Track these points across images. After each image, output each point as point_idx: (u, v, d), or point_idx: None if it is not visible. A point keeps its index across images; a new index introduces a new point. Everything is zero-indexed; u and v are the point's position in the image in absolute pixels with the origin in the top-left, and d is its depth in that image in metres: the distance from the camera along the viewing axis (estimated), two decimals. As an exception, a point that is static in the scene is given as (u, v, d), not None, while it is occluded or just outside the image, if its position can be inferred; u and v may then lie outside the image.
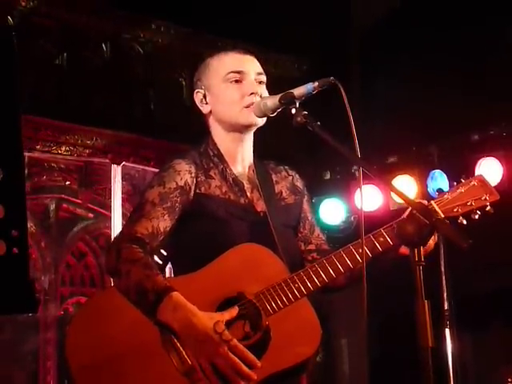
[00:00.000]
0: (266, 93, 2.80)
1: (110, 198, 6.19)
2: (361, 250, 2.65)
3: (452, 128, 5.95)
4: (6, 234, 1.42)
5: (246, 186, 2.86)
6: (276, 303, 2.59)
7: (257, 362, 2.50)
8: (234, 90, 2.78)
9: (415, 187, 6.04)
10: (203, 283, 2.62)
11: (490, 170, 5.84)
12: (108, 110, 6.21)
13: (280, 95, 2.55)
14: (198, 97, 2.87)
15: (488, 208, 2.73)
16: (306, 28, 6.72)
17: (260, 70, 2.82)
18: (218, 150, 2.85)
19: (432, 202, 2.72)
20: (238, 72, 2.78)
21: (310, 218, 3.00)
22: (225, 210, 2.76)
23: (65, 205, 7.20)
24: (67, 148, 6.15)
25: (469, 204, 2.72)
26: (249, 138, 2.88)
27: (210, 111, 2.86)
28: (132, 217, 2.77)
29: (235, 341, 2.49)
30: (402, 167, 6.17)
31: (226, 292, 2.61)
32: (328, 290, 2.96)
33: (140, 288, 2.52)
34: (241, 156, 2.88)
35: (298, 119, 2.47)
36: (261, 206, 2.82)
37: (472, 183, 2.79)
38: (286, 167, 3.05)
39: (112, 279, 2.64)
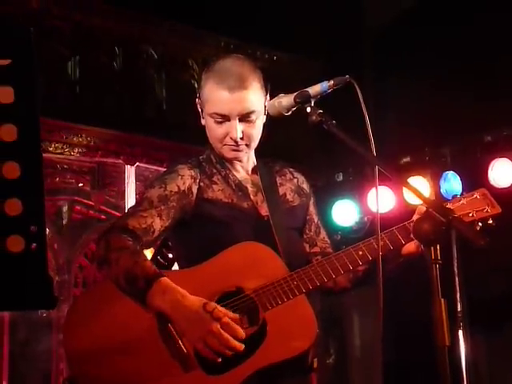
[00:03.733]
0: (256, 131, 2.81)
1: (123, 200, 6.21)
2: (361, 253, 2.71)
3: (465, 129, 5.94)
4: (24, 230, 1.42)
5: (250, 189, 2.88)
6: (274, 299, 2.63)
7: (243, 336, 2.54)
8: (217, 128, 2.79)
9: (428, 188, 6.03)
10: (202, 277, 2.67)
11: (502, 170, 5.83)
12: (120, 111, 6.22)
13: (295, 94, 2.54)
14: (197, 105, 2.89)
15: (490, 221, 2.76)
16: (319, 28, 6.72)
17: (249, 109, 2.76)
18: (220, 157, 2.88)
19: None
20: (222, 115, 2.76)
21: (315, 220, 3.03)
22: (228, 214, 2.79)
23: (78, 207, 7.21)
24: (80, 150, 6.17)
25: (470, 215, 2.75)
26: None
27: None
28: (127, 212, 2.85)
29: (227, 318, 2.54)
30: (414, 168, 6.16)
31: (225, 286, 2.65)
32: (332, 293, 3.00)
33: (129, 275, 2.56)
34: (241, 162, 2.90)
35: (313, 118, 2.47)
36: (265, 209, 2.85)
37: (474, 196, 2.82)
38: (292, 169, 3.06)
39: (102, 269, 2.66)
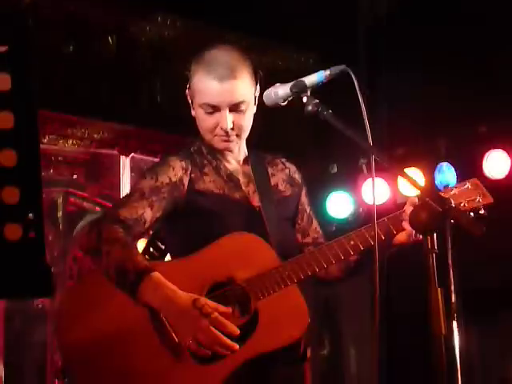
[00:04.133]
0: (246, 121, 2.83)
1: (118, 191, 6.20)
2: (352, 243, 2.74)
3: (459, 120, 5.93)
4: (22, 218, 1.41)
5: (242, 180, 2.90)
6: (265, 289, 2.64)
7: (236, 332, 2.55)
8: (208, 119, 2.81)
9: (423, 180, 6.03)
10: (194, 267, 2.68)
11: (497, 162, 5.83)
12: (115, 102, 6.20)
13: (291, 83, 2.55)
14: (187, 95, 2.90)
15: (482, 211, 2.78)
16: (313, 21, 6.70)
17: (238, 99, 2.78)
18: (210, 148, 2.88)
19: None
20: (212, 106, 2.78)
21: (307, 211, 3.05)
22: (219, 205, 2.80)
23: (72, 198, 7.19)
24: (74, 141, 6.16)
25: (462, 205, 2.77)
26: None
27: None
28: (119, 202, 2.90)
29: (216, 314, 2.54)
30: (409, 159, 6.16)
31: (216, 276, 2.67)
32: (324, 283, 3.03)
33: (120, 268, 2.57)
34: (233, 152, 2.91)
35: (310, 108, 2.48)
36: (256, 200, 2.86)
37: (466, 185, 2.85)
38: (283, 159, 3.09)
39: (92, 259, 2.67)
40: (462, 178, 5.47)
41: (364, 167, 5.44)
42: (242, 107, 2.80)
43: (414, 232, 2.73)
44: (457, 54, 6.14)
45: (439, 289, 2.18)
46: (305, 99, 2.49)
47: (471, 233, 2.11)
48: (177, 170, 2.80)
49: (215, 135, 2.81)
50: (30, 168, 1.41)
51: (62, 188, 6.97)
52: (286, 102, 2.59)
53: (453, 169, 5.92)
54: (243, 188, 2.88)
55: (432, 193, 2.28)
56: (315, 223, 3.06)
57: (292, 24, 6.54)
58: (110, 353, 2.62)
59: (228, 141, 2.83)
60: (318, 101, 2.47)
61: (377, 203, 6.41)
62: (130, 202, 2.73)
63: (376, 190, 6.27)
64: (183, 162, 2.83)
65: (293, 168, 3.07)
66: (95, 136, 6.19)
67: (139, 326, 2.60)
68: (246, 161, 2.95)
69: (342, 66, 2.48)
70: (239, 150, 2.92)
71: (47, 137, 5.99)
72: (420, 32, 6.40)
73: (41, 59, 5.65)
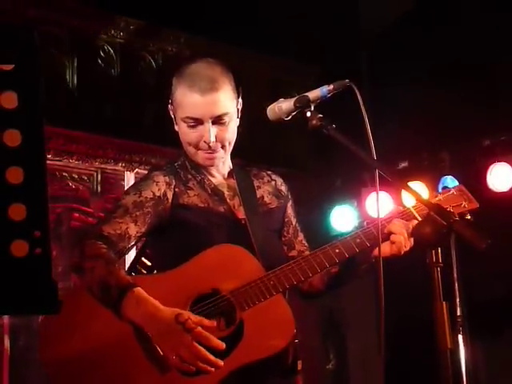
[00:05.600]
0: (230, 133, 2.80)
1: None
2: (337, 251, 2.71)
3: (463, 133, 5.95)
4: (28, 235, 1.42)
5: (226, 193, 2.88)
6: (250, 299, 2.62)
7: (221, 346, 2.52)
8: (190, 133, 2.78)
9: (426, 193, 6.03)
10: (177, 280, 2.65)
11: (501, 175, 5.84)
12: (119, 119, 6.23)
13: (295, 98, 2.54)
14: (170, 111, 2.86)
15: (468, 216, 2.78)
16: (316, 34, 6.73)
17: (222, 111, 2.76)
18: (194, 162, 2.86)
19: (410, 206, 2.78)
20: (194, 119, 2.75)
21: (293, 223, 3.02)
22: (204, 219, 2.78)
23: (76, 214, 7.21)
24: (79, 157, 6.17)
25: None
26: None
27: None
28: (102, 218, 2.85)
29: (199, 328, 2.51)
30: (413, 173, 6.17)
31: (201, 288, 2.64)
32: (307, 296, 3.02)
33: (103, 284, 2.54)
34: (217, 166, 2.89)
35: (314, 122, 2.47)
36: (242, 213, 2.84)
37: (451, 192, 2.84)
38: (269, 172, 3.06)
39: (77, 276, 2.65)
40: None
41: (371, 178, 5.42)
42: (225, 119, 2.77)
43: (399, 244, 2.71)
44: (461, 68, 6.17)
45: (444, 302, 2.17)
46: (308, 114, 2.48)
47: (475, 246, 2.11)
48: (160, 185, 2.77)
49: (199, 149, 2.79)
50: (37, 185, 1.42)
51: (66, 203, 6.99)
52: (289, 117, 2.58)
53: (456, 182, 5.93)
54: (228, 201, 2.85)
55: (436, 207, 2.27)
56: (301, 235, 3.02)
57: (295, 38, 6.57)
58: (96, 369, 2.58)
59: (212, 158, 2.81)
60: (321, 115, 2.47)
61: (381, 216, 6.42)
62: (113, 218, 2.70)
63: (380, 204, 6.27)
64: (167, 177, 2.80)
65: (279, 180, 3.04)
66: (100, 151, 6.21)
67: (124, 341, 2.57)
68: (230, 174, 2.92)
69: (346, 81, 2.48)
70: (223, 164, 2.90)
71: (52, 152, 6.01)
72: (424, 45, 6.42)
73: (45, 75, 5.68)
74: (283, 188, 3.03)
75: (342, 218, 6.68)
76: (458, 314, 5.63)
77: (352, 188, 6.77)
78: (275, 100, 2.63)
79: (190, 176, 2.85)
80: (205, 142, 2.77)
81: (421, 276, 2.29)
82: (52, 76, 5.78)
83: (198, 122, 2.75)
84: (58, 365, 2.61)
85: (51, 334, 2.64)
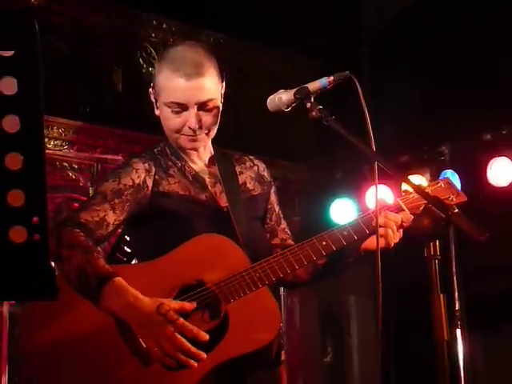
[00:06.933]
0: (214, 119, 2.75)
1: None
2: (324, 243, 2.66)
3: (464, 128, 5.94)
4: (26, 221, 1.42)
5: (208, 180, 2.83)
6: (236, 291, 2.57)
7: (205, 337, 2.47)
8: (174, 119, 2.73)
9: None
10: (161, 271, 2.59)
11: (501, 169, 5.84)
12: (119, 108, 6.22)
13: (295, 90, 2.54)
14: (151, 95, 2.81)
15: (456, 210, 2.76)
16: (318, 28, 6.73)
17: (207, 97, 2.71)
18: (175, 148, 2.82)
19: (398, 199, 2.76)
20: (179, 104, 2.70)
21: (276, 210, 2.98)
22: (185, 207, 2.73)
23: (76, 204, 7.21)
24: (79, 147, 6.17)
25: None
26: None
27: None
28: (80, 205, 2.76)
29: (181, 320, 2.46)
30: (413, 167, 6.16)
31: (185, 279, 2.58)
32: (291, 286, 2.98)
33: (81, 273, 2.47)
34: (198, 152, 2.85)
35: (313, 114, 2.47)
36: (224, 200, 2.79)
37: (439, 184, 2.82)
38: (252, 157, 3.00)
39: (55, 265, 2.55)
40: (466, 185, 5.48)
41: (371, 171, 5.42)
42: (210, 105, 2.72)
43: (387, 237, 2.68)
44: (461, 62, 6.16)
45: (442, 295, 2.18)
46: (308, 105, 2.48)
47: (474, 238, 2.11)
48: (140, 172, 2.72)
49: (182, 134, 2.74)
50: (36, 171, 1.42)
51: (66, 193, 6.99)
52: (289, 108, 2.56)
53: (457, 176, 5.93)
54: (210, 188, 2.80)
55: (435, 199, 2.28)
56: (284, 223, 2.98)
57: (297, 31, 6.56)
58: (76, 360, 2.51)
59: (195, 140, 2.75)
60: (321, 107, 2.47)
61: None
62: (91, 205, 2.64)
63: (379, 197, 6.28)
64: (146, 164, 2.74)
65: (262, 165, 2.98)
66: (100, 142, 6.21)
67: (106, 332, 2.51)
68: (211, 160, 2.87)
69: (346, 73, 2.48)
70: (205, 150, 2.85)
71: (52, 142, 6.01)
72: (426, 40, 6.42)
73: (46, 64, 5.68)
74: (266, 174, 2.98)
75: (342, 211, 6.68)
76: (457, 307, 5.63)
77: (352, 181, 6.76)
78: (275, 91, 2.63)
79: (170, 163, 2.79)
80: (189, 127, 2.71)
81: (420, 269, 2.29)
82: (52, 65, 5.77)
83: (182, 107, 2.70)
84: (37, 356, 2.54)
85: (32, 325, 2.58)
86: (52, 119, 5.80)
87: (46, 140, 5.85)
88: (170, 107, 2.71)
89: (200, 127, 2.73)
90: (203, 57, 2.73)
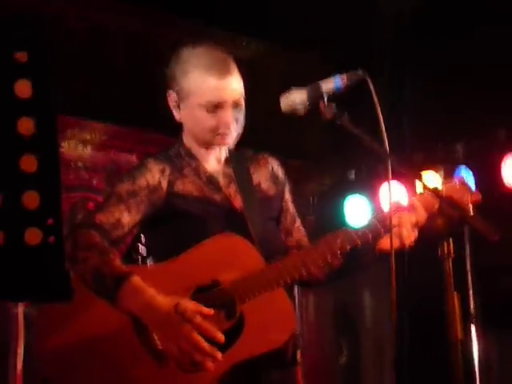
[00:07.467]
0: (243, 116, 2.76)
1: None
2: (339, 241, 2.67)
3: (478, 125, 5.92)
4: (41, 223, 1.43)
5: (222, 181, 2.83)
6: (251, 291, 2.58)
7: (221, 340, 2.47)
8: (211, 119, 2.73)
9: (440, 184, 6.00)
10: (176, 271, 2.60)
11: (516, 167, 5.80)
12: (133, 108, 6.23)
13: (307, 88, 2.53)
14: (170, 99, 2.81)
15: (470, 209, 2.75)
16: (332, 25, 6.70)
17: (238, 93, 2.73)
18: (190, 150, 2.82)
19: (413, 198, 2.76)
20: (216, 103, 2.70)
21: (291, 209, 2.98)
22: (200, 208, 2.73)
23: (91, 203, 7.24)
24: (93, 147, 6.19)
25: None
26: None
27: (181, 120, 2.82)
28: (96, 207, 2.82)
29: (199, 318, 2.46)
30: (427, 163, 6.14)
31: (200, 280, 2.59)
32: (306, 285, 2.97)
33: (97, 274, 2.48)
34: (214, 154, 2.86)
35: (327, 113, 2.46)
36: (238, 202, 2.79)
37: (453, 183, 2.80)
38: (266, 155, 2.99)
39: (71, 267, 2.55)
40: (480, 182, 5.46)
41: (385, 169, 5.41)
42: (242, 102, 2.75)
43: (401, 237, 2.67)
44: (477, 59, 6.13)
45: (455, 293, 2.18)
46: (321, 104, 2.47)
47: (487, 237, 2.11)
48: (154, 173, 2.72)
49: (218, 134, 2.74)
50: (50, 173, 1.43)
51: (81, 193, 7.02)
52: (303, 111, 2.55)
53: (471, 173, 5.90)
54: (224, 189, 2.80)
55: (449, 199, 2.27)
56: (298, 221, 2.98)
57: (312, 28, 6.54)
58: (92, 361, 2.53)
59: (230, 138, 2.77)
60: (334, 105, 2.46)
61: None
62: (106, 207, 2.65)
63: (394, 195, 6.25)
64: (161, 165, 2.75)
65: (275, 164, 2.98)
66: (114, 142, 6.22)
67: (121, 332, 2.52)
68: (226, 161, 2.87)
69: (359, 71, 2.47)
70: (220, 150, 2.86)
71: (66, 142, 6.03)
72: (441, 37, 6.39)
73: (60, 65, 5.69)
74: (280, 172, 2.97)
75: (357, 210, 6.66)
76: (471, 306, 5.61)
77: (367, 180, 6.75)
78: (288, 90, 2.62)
79: (184, 163, 2.79)
80: (225, 126, 2.72)
81: (434, 268, 2.29)
82: (66, 66, 5.79)
83: (218, 106, 2.70)
84: (52, 357, 2.55)
85: (46, 326, 2.58)
86: (65, 119, 5.81)
87: (61, 140, 5.87)
88: (205, 107, 2.71)
89: (236, 124, 2.75)
90: (226, 55, 2.76)
